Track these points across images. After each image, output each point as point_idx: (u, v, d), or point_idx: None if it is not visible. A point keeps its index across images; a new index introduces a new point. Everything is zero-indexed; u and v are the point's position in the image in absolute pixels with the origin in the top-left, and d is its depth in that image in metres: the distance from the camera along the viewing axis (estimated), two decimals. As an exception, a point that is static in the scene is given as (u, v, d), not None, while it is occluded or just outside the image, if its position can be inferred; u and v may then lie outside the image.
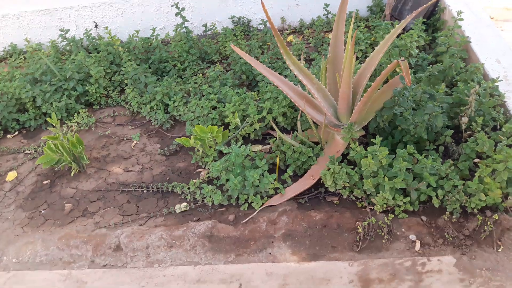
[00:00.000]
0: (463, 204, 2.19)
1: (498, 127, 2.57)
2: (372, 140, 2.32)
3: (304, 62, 3.57)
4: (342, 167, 2.36)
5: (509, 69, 2.88)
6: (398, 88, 2.41)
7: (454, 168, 2.36)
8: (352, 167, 2.40)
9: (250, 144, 2.73)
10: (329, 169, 2.35)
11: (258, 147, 2.93)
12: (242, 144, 2.63)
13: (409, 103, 2.44)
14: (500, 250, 2.06)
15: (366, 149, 2.45)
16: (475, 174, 2.18)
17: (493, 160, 2.26)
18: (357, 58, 3.52)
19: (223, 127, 2.87)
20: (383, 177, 2.21)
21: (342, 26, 2.47)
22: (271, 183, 2.39)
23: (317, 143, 2.69)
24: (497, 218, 2.12)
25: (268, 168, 2.63)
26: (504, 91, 2.69)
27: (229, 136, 2.85)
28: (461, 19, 3.11)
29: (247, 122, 2.83)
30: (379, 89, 2.55)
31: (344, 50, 2.47)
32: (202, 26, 4.25)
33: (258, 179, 2.33)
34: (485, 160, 2.28)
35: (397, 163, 2.20)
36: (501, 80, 2.56)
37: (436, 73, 2.64)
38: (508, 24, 4.13)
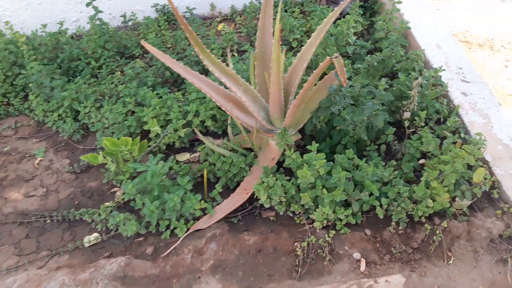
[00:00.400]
0: (409, 213, 1.98)
1: (442, 119, 2.38)
2: (309, 147, 2.04)
3: (236, 55, 3.23)
4: (277, 179, 2.07)
5: (450, 54, 2.70)
6: (334, 86, 2.14)
7: (398, 170, 2.14)
8: (289, 178, 2.12)
9: (173, 156, 2.38)
10: (262, 183, 2.05)
11: (185, 156, 2.58)
12: (161, 159, 2.27)
13: (346, 101, 2.18)
14: (451, 262, 1.86)
15: (302, 156, 2.18)
16: (421, 179, 1.96)
17: (439, 160, 2.05)
18: (291, 48, 3.23)
19: (140, 136, 2.48)
20: (322, 189, 1.95)
21: (269, 15, 2.15)
22: (198, 203, 2.06)
23: (250, 150, 2.38)
24: (446, 225, 1.92)
25: (196, 182, 2.30)
26: (446, 80, 2.50)
27: (149, 146, 2.48)
28: (400, 2, 2.88)
29: (169, 130, 2.47)
30: (315, 84, 2.28)
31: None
32: (121, 16, 3.78)
33: (179, 203, 1.99)
34: (430, 160, 2.07)
35: (335, 172, 1.93)
36: (444, 70, 2.35)
37: (375, 63, 2.39)
38: (444, 2, 3.99)
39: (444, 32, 2.89)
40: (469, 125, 2.27)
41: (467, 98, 2.41)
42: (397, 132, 2.42)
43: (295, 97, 2.03)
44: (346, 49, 2.79)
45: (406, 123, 2.20)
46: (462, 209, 2.00)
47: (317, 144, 2.01)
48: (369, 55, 2.94)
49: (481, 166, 2.03)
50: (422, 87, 2.28)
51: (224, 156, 2.28)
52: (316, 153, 2.02)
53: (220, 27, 3.84)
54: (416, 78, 2.18)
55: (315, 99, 2.21)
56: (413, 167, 2.10)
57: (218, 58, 3.16)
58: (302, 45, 3.21)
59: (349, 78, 2.67)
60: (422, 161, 2.12)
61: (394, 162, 2.20)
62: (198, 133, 2.31)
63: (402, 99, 2.37)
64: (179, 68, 2.11)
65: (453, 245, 1.91)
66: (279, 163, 2.25)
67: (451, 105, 2.41)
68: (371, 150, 2.23)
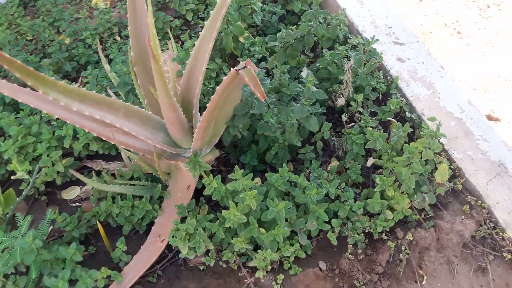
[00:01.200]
0: (367, 230, 1.60)
1: (381, 97, 1.98)
2: (231, 176, 1.54)
3: (119, 39, 2.54)
4: (198, 221, 1.57)
5: (375, 10, 2.27)
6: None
7: (343, 173, 1.73)
8: (214, 214, 1.63)
9: (50, 210, 1.75)
10: (177, 230, 1.54)
11: (74, 192, 1.96)
12: (26, 227, 1.64)
13: (268, 100, 1.68)
14: (424, 282, 1.53)
15: (226, 178, 1.68)
16: (375, 190, 1.57)
17: (389, 156, 1.67)
18: (187, 22, 2.61)
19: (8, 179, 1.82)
20: (257, 228, 1.49)
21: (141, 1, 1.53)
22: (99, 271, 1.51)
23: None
24: (411, 238, 1.57)
25: (94, 230, 1.73)
26: (376, 45, 2.08)
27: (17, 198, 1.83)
28: (306, -49, 2.35)
29: (40, 171, 1.83)
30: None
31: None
32: (-45, 7, 2.86)
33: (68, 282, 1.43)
34: (380, 159, 1.68)
35: (271, 204, 1.47)
36: (377, 40, 1.91)
37: (293, 41, 1.89)
38: None
39: (362, -19, 2.44)
40: (413, 100, 1.89)
41: (404, 65, 2.02)
42: (331, 118, 2.00)
43: (200, 110, 1.49)
44: (253, 18, 2.25)
45: (344, 116, 1.77)
46: (424, 208, 1.66)
47: (241, 171, 1.51)
48: (282, 22, 2.43)
49: (438, 154, 1.68)
50: (354, 65, 1.83)
51: (120, 195, 1.72)
52: (244, 173, 1.54)
53: (93, 2, 3.07)
54: (347, 58, 1.73)
55: (228, 105, 1.69)
56: (360, 169, 1.70)
57: (95, 48, 2.48)
58: (199, 17, 2.60)
59: (264, 59, 2.16)
60: (371, 161, 1.72)
61: (336, 162, 1.78)
62: (75, 173, 1.69)
63: (331, 81, 1.92)
64: (22, 94, 1.44)
65: (423, 260, 1.57)
66: (199, 191, 1.74)
67: (388, 76, 2.02)
68: (307, 152, 1.79)
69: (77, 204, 1.90)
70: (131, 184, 1.76)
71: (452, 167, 1.71)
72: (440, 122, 1.63)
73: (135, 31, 1.53)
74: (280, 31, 2.37)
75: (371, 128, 1.75)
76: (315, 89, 1.55)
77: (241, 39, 2.08)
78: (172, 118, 1.44)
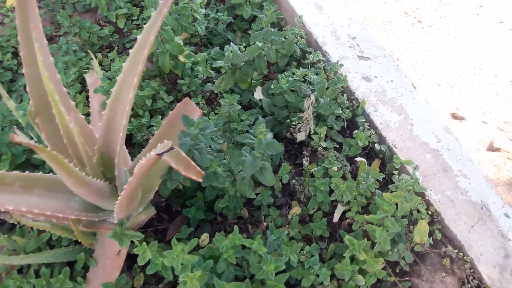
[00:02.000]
0: (336, 299, 1.35)
1: (346, 125, 1.71)
2: (167, 253, 1.23)
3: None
4: (129, 304, 1.27)
5: (335, 17, 1.97)
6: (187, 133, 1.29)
7: (306, 226, 1.47)
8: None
9: None
10: (105, 318, 1.23)
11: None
12: None
13: (216, 145, 1.37)
14: None
15: (166, 230, 1.39)
16: (344, 255, 1.31)
17: (358, 206, 1.42)
18: (119, 31, 2.21)
19: None
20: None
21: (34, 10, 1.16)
22: None
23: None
24: (387, 304, 1.34)
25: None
26: (338, 59, 1.79)
27: None
28: None
29: None
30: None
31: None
32: None
33: None
34: (349, 211, 1.42)
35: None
36: (341, 66, 1.61)
37: (242, 63, 1.57)
38: None
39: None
40: (383, 129, 1.64)
41: (372, 85, 1.75)
42: (290, 149, 1.72)
43: (135, 147, 1.17)
44: (195, 28, 1.90)
45: (304, 158, 1.49)
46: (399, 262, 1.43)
47: (181, 245, 1.21)
48: (230, 28, 2.10)
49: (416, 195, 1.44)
50: (314, 90, 1.54)
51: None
52: (187, 232, 1.24)
53: (8, 4, 2.59)
54: (306, 83, 1.43)
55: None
56: (325, 225, 1.44)
57: (7, 64, 2.06)
58: (133, 22, 2.22)
59: (209, 80, 1.83)
60: (338, 212, 1.46)
61: (298, 209, 1.52)
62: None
63: (289, 109, 1.63)
64: None
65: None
66: (133, 255, 1.44)
67: (354, 100, 1.74)
68: (264, 198, 1.51)
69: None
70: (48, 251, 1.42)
71: (430, 212, 1.48)
72: (417, 165, 1.38)
73: (31, 73, 1.17)
74: (228, 40, 2.04)
75: (336, 169, 1.48)
76: (269, 137, 1.25)
77: (181, 58, 1.74)
78: (83, 192, 1.11)
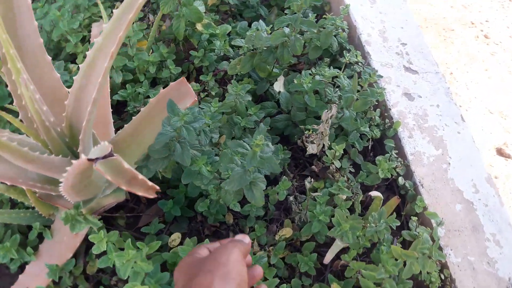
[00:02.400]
0: None
1: (370, 146, 1.44)
2: (118, 255, 1.03)
3: None
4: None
5: (389, 16, 1.67)
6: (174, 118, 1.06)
7: (292, 255, 1.24)
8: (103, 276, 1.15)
9: None
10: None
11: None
12: None
13: (205, 139, 1.14)
14: None
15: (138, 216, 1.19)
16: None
17: (358, 252, 1.17)
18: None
19: None
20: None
21: None
22: None
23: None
24: None
25: None
26: (380, 65, 1.51)
27: None
28: None
29: None
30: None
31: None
32: None
33: None
34: (345, 255, 1.17)
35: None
36: (380, 76, 1.32)
37: (264, 49, 1.31)
38: None
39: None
40: (413, 161, 1.36)
41: (412, 105, 1.47)
42: (299, 157, 1.48)
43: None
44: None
45: (307, 182, 1.25)
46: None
47: (133, 250, 1.01)
48: (266, 2, 1.83)
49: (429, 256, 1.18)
50: (341, 99, 1.28)
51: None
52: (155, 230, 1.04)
53: None
54: (329, 107, 1.16)
55: (149, 132, 1.16)
56: (315, 260, 1.20)
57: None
58: None
59: (227, 58, 1.59)
60: (330, 255, 1.21)
61: (289, 230, 1.28)
62: None
63: (308, 113, 1.37)
64: None
65: None
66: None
67: (388, 117, 1.47)
68: (252, 210, 1.28)
69: None
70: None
71: (443, 275, 1.22)
72: (442, 220, 1.12)
73: (5, 13, 0.96)
74: (260, 16, 1.78)
75: (344, 199, 1.23)
76: (268, 151, 1.01)
77: (198, 27, 1.49)
78: (31, 167, 0.91)
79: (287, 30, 1.22)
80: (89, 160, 0.65)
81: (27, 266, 1.23)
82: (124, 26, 0.84)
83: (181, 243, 1.26)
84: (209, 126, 1.14)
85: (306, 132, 1.21)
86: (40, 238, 1.27)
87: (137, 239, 1.29)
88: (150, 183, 0.73)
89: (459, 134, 1.42)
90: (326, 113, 1.13)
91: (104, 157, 0.64)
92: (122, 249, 1.20)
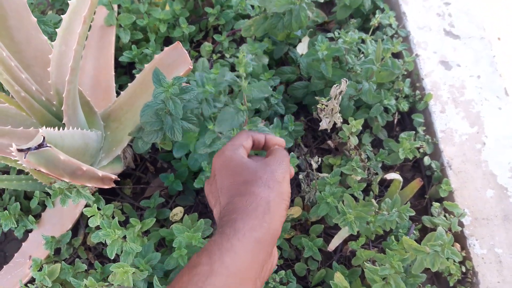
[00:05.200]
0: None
1: (397, 120, 1.29)
2: (105, 233, 0.99)
3: None
4: (63, 269, 1.08)
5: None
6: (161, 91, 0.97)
7: (299, 237, 1.16)
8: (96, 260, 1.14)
9: None
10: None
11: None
12: None
13: (207, 109, 1.05)
14: None
15: (144, 188, 1.16)
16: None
17: (366, 240, 1.07)
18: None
19: None
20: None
21: None
22: None
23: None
24: None
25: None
26: (416, 27, 1.33)
27: None
28: None
29: None
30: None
31: None
32: None
33: None
34: (353, 242, 1.08)
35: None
36: (417, 56, 1.15)
37: (282, 15, 1.17)
38: None
39: None
40: (443, 139, 1.21)
41: (448, 75, 1.29)
42: (316, 128, 1.36)
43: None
44: None
45: (313, 163, 1.13)
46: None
47: (150, 220, 0.96)
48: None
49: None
50: (343, 90, 1.13)
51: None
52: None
53: None
54: (338, 83, 1.02)
55: (144, 100, 1.08)
56: (320, 245, 1.12)
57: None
58: None
59: (245, 17, 1.47)
60: (336, 241, 1.11)
61: (298, 209, 1.20)
62: None
63: (327, 81, 1.24)
64: None
65: None
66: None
67: (418, 87, 1.30)
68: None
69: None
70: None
71: (465, 267, 1.10)
72: (464, 212, 0.99)
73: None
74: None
75: (358, 180, 1.12)
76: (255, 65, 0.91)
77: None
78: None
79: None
80: (19, 150, 0.58)
81: (30, 234, 1.24)
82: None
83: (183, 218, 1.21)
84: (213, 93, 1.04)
85: (318, 106, 1.09)
86: (44, 206, 1.26)
87: (142, 210, 1.26)
88: (101, 173, 0.66)
89: (500, 110, 1.24)
90: (335, 88, 1.00)
91: (36, 148, 0.57)
92: (126, 223, 1.17)
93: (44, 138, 0.59)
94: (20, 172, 1.32)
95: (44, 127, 0.93)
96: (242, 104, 0.99)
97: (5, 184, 1.21)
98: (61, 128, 0.88)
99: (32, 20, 0.95)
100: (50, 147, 0.59)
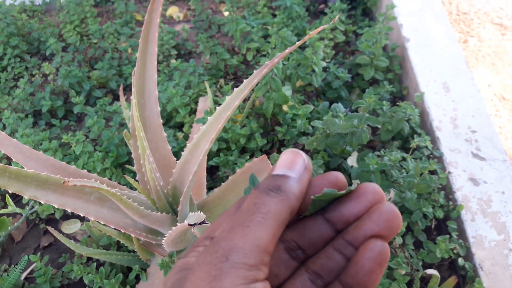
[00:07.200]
0: None
1: (434, 225, 1.54)
2: None
3: (175, 61, 2.36)
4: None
5: (461, 103, 1.80)
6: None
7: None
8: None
9: (26, 257, 1.62)
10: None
11: (75, 226, 1.84)
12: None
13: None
14: None
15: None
16: None
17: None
18: (246, 62, 2.32)
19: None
20: None
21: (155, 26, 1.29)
22: None
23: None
24: None
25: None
26: (449, 151, 1.64)
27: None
28: (393, 6, 1.94)
29: (33, 207, 1.71)
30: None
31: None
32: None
33: None
34: None
35: None
36: (438, 163, 1.47)
37: (336, 133, 1.53)
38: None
39: (457, 62, 1.95)
40: (474, 244, 1.45)
41: (477, 190, 1.56)
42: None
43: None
44: (312, 79, 1.90)
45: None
46: None
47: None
48: (346, 87, 2.06)
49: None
50: (402, 182, 1.43)
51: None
52: None
53: (170, 11, 2.92)
54: (388, 192, 1.33)
55: (233, 197, 1.41)
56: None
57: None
58: (262, 55, 2.31)
59: (307, 134, 1.82)
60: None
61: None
62: (55, 232, 1.54)
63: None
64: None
65: None
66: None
67: (451, 199, 1.57)
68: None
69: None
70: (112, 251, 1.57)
71: None
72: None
73: (138, 100, 1.31)
74: (340, 97, 2.00)
75: (403, 274, 1.35)
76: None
77: (284, 107, 1.76)
78: (142, 221, 1.20)
79: (355, 121, 1.43)
80: (189, 225, 0.90)
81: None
82: (223, 121, 1.12)
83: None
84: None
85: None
86: (137, 279, 1.54)
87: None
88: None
89: (524, 221, 1.47)
90: (385, 195, 1.29)
91: (200, 223, 0.88)
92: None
93: (205, 217, 0.91)
94: (118, 248, 1.64)
95: (163, 212, 1.27)
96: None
97: (112, 258, 1.53)
98: (175, 214, 1.22)
99: (163, 135, 1.33)
100: (208, 223, 0.90)
